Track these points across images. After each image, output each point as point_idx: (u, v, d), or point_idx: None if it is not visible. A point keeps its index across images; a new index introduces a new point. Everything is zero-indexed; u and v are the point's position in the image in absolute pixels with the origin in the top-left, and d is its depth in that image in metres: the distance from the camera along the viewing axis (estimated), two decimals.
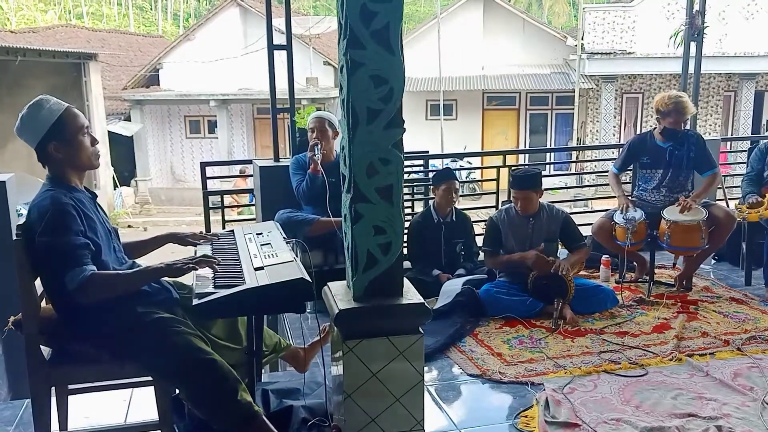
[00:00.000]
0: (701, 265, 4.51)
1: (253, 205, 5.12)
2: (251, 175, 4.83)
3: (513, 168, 4.36)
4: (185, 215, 16.58)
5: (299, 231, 3.83)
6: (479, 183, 13.23)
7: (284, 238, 2.63)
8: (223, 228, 4.48)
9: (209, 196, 4.84)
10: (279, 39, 4.27)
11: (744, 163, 6.82)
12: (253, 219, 4.87)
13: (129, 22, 35.86)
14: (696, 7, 5.30)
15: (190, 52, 18.17)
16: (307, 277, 2.11)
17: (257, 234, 2.69)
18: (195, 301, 2.02)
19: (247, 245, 2.54)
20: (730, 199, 5.85)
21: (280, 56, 4.31)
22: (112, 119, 17.84)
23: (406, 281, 2.10)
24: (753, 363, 3.18)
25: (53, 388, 2.26)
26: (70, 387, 2.41)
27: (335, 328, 2.08)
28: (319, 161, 3.96)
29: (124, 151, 17.84)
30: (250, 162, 4.78)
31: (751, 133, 15.81)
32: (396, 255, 2.01)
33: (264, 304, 2.13)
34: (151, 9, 39.66)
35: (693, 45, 5.42)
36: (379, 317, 2.02)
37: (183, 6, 39.65)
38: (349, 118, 1.93)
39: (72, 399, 2.44)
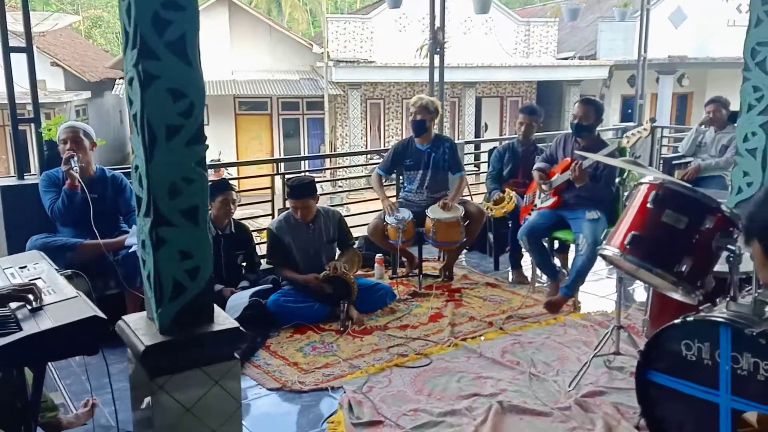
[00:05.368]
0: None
1: None
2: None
3: (288, 179, 4.38)
4: None
5: (60, 258, 3.37)
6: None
7: (57, 269, 2.31)
8: None
9: None
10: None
11: (471, 163, 7.80)
12: None
13: None
14: (437, 23, 5.87)
15: None
16: (101, 315, 1.88)
17: (20, 268, 2.32)
18: None
19: (10, 282, 2.16)
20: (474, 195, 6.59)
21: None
22: None
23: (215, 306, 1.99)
24: (515, 340, 3.64)
25: None
26: None
27: (140, 365, 1.89)
28: (77, 175, 3.55)
29: None
30: None
31: (474, 132, 18.04)
32: (205, 279, 1.89)
33: (50, 351, 1.84)
34: None
35: (436, 57, 6.00)
36: (191, 348, 1.88)
37: None
38: (145, 135, 1.76)
39: None
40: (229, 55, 16.70)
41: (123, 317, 2.01)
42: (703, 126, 5.61)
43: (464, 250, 5.44)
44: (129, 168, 2.43)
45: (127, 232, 3.69)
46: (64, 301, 1.98)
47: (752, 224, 0.87)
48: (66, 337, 1.81)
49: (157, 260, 1.83)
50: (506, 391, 3.01)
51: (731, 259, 2.23)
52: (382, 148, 14.76)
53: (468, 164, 7.70)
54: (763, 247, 0.85)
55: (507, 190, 4.81)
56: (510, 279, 4.80)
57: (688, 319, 2.18)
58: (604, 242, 2.60)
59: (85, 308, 1.91)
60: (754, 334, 2.00)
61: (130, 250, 3.49)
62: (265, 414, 2.95)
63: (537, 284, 4.54)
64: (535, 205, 4.37)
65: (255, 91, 16.57)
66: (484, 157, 7.19)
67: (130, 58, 1.76)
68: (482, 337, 3.69)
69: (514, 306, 4.18)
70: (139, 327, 1.92)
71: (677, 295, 2.47)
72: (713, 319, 2.12)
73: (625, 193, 3.03)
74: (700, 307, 2.27)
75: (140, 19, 1.70)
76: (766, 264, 0.86)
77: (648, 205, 2.43)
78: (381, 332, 3.78)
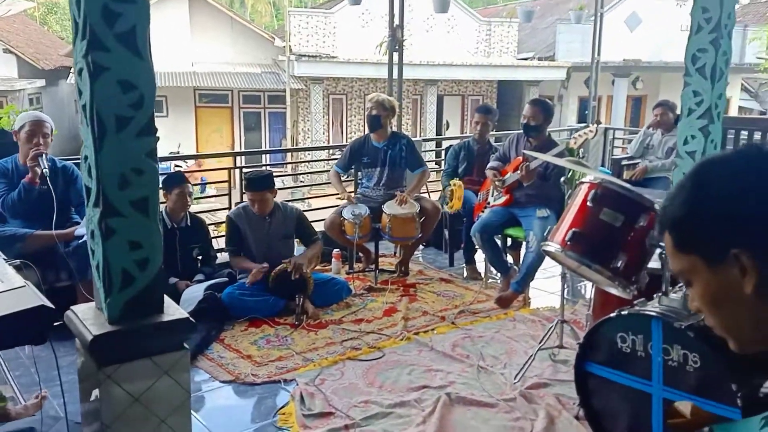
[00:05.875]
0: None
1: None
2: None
3: (245, 172, 4.40)
4: None
5: (9, 248, 3.32)
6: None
7: (5, 259, 2.29)
8: None
9: None
10: None
11: (432, 160, 7.91)
12: None
13: None
14: (396, 21, 5.94)
15: None
16: (49, 304, 1.89)
17: None
18: None
19: None
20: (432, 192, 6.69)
21: None
22: None
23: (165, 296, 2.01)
24: (465, 334, 3.73)
25: None
26: None
27: (88, 355, 1.90)
28: (40, 172, 3.51)
29: None
30: None
31: (436, 130, 18.18)
32: (155, 270, 1.91)
33: None
34: None
35: (395, 54, 6.06)
36: (140, 338, 1.90)
37: None
38: (94, 126, 1.77)
39: None
40: (190, 47, 16.48)
41: (71, 307, 2.01)
42: (650, 128, 5.81)
43: (421, 246, 5.52)
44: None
45: (79, 223, 3.65)
46: (11, 290, 1.98)
47: (664, 217, 0.96)
48: (13, 326, 1.81)
49: (106, 250, 1.84)
50: (455, 384, 3.09)
51: (663, 255, 2.35)
52: (343, 143, 14.77)
53: (428, 161, 7.82)
54: (673, 238, 0.94)
55: (451, 181, 4.91)
56: (464, 275, 4.90)
57: (622, 312, 2.29)
58: (548, 238, 2.70)
59: (33, 297, 1.92)
60: (683, 327, 2.11)
61: (80, 241, 3.46)
62: (218, 406, 2.98)
63: (490, 280, 4.65)
64: (488, 203, 4.47)
65: (216, 83, 16.39)
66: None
67: (80, 49, 1.77)
68: (434, 331, 3.78)
69: (467, 301, 4.28)
70: (88, 317, 1.92)
71: (614, 290, 2.59)
72: (645, 312, 2.23)
73: (569, 192, 3.14)
74: (635, 302, 2.38)
75: (90, 10, 1.71)
76: (676, 255, 0.94)
77: (588, 204, 2.54)
78: (336, 326, 3.83)
